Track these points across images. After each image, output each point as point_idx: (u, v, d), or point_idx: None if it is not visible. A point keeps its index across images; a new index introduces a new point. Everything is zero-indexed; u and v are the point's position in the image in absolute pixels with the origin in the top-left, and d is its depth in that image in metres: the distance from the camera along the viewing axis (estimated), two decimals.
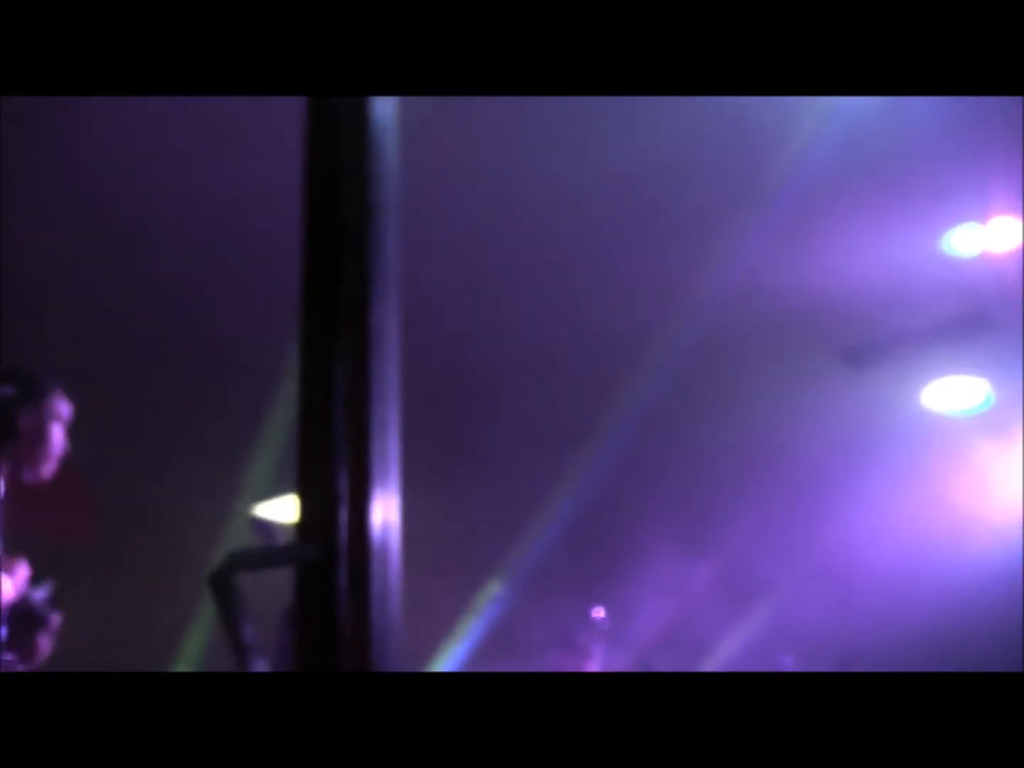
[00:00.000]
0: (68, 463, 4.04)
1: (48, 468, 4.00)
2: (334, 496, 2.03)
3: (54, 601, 4.36)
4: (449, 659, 8.98)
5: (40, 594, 4.26)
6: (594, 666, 7.14)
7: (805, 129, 5.03)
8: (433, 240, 5.84)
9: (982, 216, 5.94)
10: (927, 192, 5.68)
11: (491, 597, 9.33)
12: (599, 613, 6.46)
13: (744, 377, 7.55)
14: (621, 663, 7.33)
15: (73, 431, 4.01)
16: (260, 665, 1.93)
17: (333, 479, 2.03)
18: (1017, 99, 4.64)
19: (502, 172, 5.34)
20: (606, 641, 6.84)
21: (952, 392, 7.84)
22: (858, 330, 7.05)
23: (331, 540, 2.01)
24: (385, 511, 2.04)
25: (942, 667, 8.66)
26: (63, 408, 4.03)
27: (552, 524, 8.63)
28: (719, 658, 9.89)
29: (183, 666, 7.18)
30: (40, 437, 3.96)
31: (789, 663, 7.81)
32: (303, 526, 2.05)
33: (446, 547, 8.97)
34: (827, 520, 8.81)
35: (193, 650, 7.15)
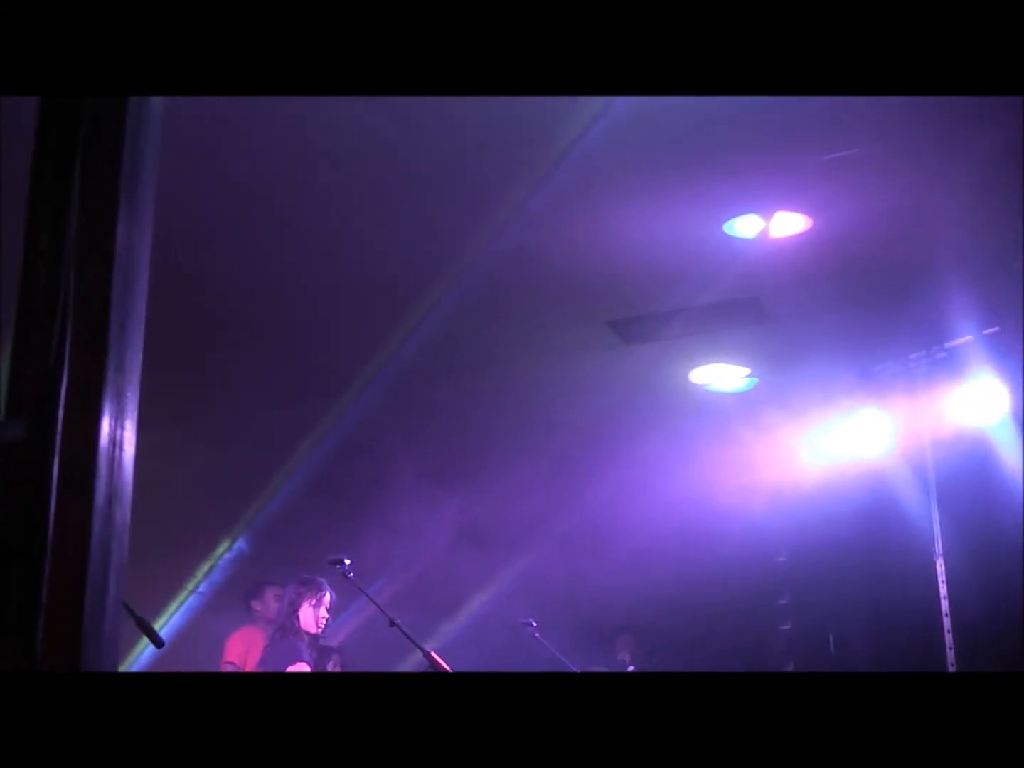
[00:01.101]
0: None
1: None
2: (52, 370, 1.70)
3: None
4: (179, 609, 8.75)
5: None
6: (327, 611, 7.03)
7: (594, 102, 4.93)
8: (201, 180, 5.56)
9: (766, 208, 5.96)
10: (713, 177, 5.63)
11: (229, 546, 9.12)
12: (341, 560, 6.32)
13: (510, 340, 7.44)
14: (365, 611, 7.23)
15: None
16: None
17: (54, 347, 1.71)
18: (803, 98, 4.64)
19: (283, 118, 5.07)
20: (348, 588, 6.75)
21: (717, 373, 7.96)
22: (631, 305, 7.02)
23: (44, 420, 1.69)
24: (120, 407, 1.74)
25: (677, 629, 8.97)
26: None
27: (299, 474, 8.48)
28: (463, 614, 9.93)
29: None
30: None
31: (534, 626, 7.86)
32: (12, 402, 1.73)
33: (186, 497, 8.72)
34: (585, 485, 8.88)
35: None
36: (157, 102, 1.93)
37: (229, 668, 7.29)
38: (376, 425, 8.27)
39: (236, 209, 5.93)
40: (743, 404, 8.19)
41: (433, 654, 6.08)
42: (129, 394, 1.77)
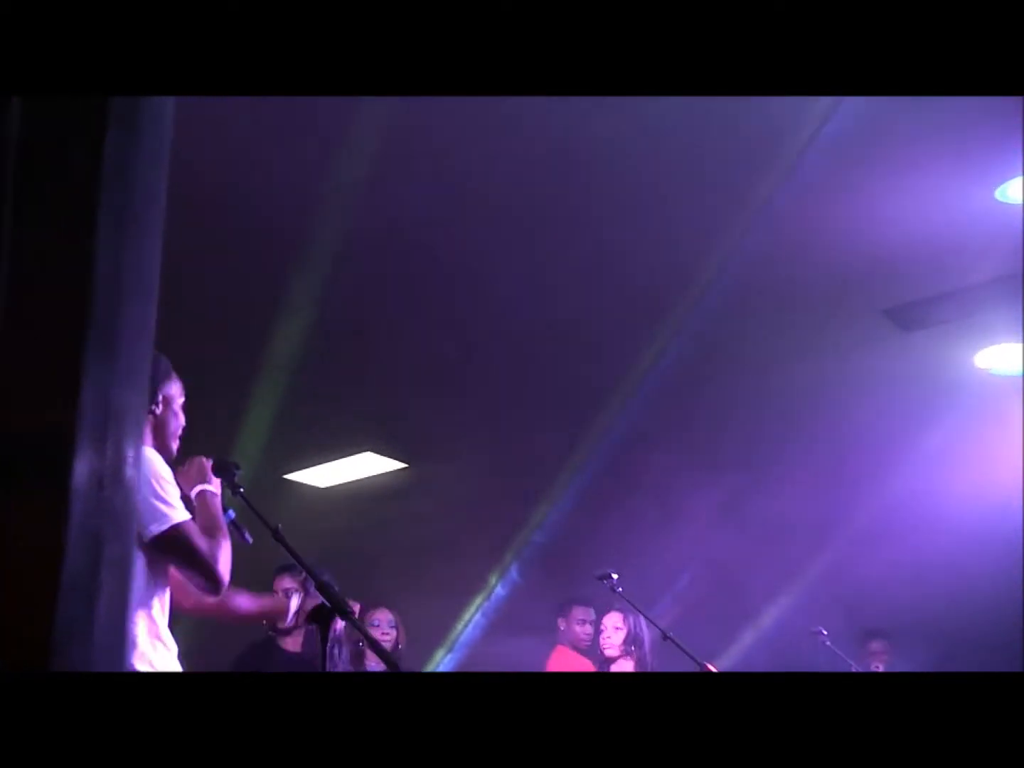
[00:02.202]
0: None
1: (175, 444, 4.06)
2: None
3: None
4: (459, 639, 8.79)
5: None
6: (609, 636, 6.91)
7: None
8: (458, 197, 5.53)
9: None
10: (978, 137, 5.19)
11: (502, 575, 9.08)
12: (609, 574, 6.21)
13: (783, 339, 7.11)
14: (647, 633, 6.99)
15: None
16: None
17: None
18: None
19: (537, 119, 4.96)
20: (621, 606, 6.71)
21: (1005, 355, 7.40)
22: (905, 289, 6.59)
23: None
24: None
25: (994, 630, 8.41)
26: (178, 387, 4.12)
27: (571, 492, 8.36)
28: (748, 622, 9.70)
29: None
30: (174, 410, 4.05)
31: (824, 636, 7.59)
32: None
33: (456, 525, 8.73)
34: (877, 482, 8.49)
35: None
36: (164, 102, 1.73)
37: None
38: (646, 437, 8.08)
39: (493, 230, 5.88)
40: None
41: (709, 666, 5.94)
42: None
